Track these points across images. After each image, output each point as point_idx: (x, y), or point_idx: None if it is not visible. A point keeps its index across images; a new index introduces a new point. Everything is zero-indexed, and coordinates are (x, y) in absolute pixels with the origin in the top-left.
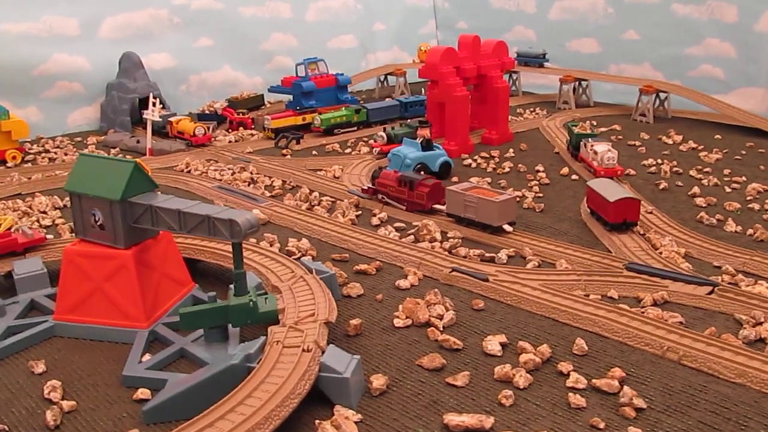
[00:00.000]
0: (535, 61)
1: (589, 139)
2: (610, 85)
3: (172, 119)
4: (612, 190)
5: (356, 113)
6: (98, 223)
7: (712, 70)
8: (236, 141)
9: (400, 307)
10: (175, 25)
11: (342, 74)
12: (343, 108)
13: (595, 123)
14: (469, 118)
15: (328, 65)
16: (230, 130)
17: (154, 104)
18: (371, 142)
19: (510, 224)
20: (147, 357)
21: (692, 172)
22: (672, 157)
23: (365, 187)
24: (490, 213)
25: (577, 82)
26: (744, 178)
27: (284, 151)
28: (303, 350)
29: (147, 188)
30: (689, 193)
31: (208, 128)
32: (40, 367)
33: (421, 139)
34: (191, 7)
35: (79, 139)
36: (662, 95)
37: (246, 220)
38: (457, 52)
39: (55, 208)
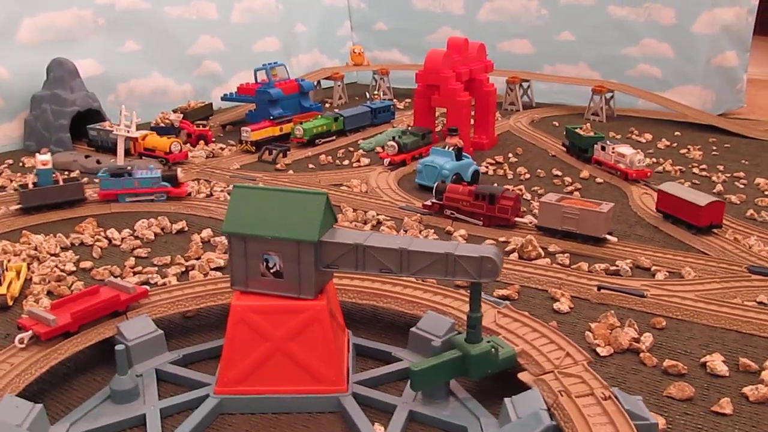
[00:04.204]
0: None
1: (607, 141)
2: (545, 84)
3: (136, 134)
4: (694, 194)
5: (335, 121)
6: (272, 270)
7: (650, 69)
8: (208, 157)
9: (587, 333)
10: (100, 26)
11: (304, 80)
12: (320, 116)
13: (556, 124)
14: (470, 123)
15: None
16: (190, 145)
17: (127, 117)
18: (383, 152)
19: (609, 234)
20: (378, 427)
21: (695, 170)
22: (657, 155)
23: (428, 203)
24: (595, 224)
25: (519, 83)
26: (742, 174)
27: (278, 165)
28: (601, 399)
29: (331, 223)
30: (715, 191)
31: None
32: None
33: (453, 147)
34: (116, 8)
35: (10, 161)
36: (608, 95)
37: (496, 255)
38: (452, 55)
39: (63, 249)
